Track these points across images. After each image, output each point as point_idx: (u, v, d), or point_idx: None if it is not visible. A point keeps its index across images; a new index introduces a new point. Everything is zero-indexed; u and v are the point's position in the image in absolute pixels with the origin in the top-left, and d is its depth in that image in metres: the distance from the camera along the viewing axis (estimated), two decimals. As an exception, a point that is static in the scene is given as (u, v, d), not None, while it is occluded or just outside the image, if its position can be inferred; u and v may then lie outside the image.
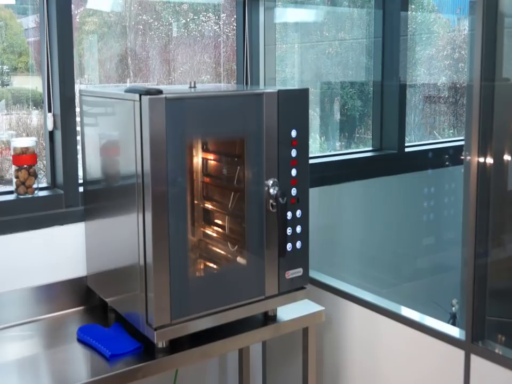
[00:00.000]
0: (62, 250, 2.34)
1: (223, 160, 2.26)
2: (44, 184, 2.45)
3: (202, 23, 4.07)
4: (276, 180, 2.03)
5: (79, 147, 2.40)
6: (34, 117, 3.75)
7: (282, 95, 2.05)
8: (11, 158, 2.33)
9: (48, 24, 2.34)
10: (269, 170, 2.05)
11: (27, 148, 2.32)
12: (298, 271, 2.14)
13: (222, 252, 2.26)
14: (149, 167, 1.81)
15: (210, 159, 2.29)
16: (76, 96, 2.40)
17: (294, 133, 2.08)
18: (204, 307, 1.98)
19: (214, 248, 2.29)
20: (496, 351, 2.05)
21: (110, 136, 2.15)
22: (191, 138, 2.02)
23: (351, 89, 4.25)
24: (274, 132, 2.04)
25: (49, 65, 2.37)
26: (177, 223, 1.89)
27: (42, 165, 2.77)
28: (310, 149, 2.17)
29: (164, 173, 1.83)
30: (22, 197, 2.31)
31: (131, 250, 1.95)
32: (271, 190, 2.02)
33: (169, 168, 1.84)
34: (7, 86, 3.91)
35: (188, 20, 4.12)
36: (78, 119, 2.40)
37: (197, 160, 2.25)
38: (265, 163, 2.04)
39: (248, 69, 2.96)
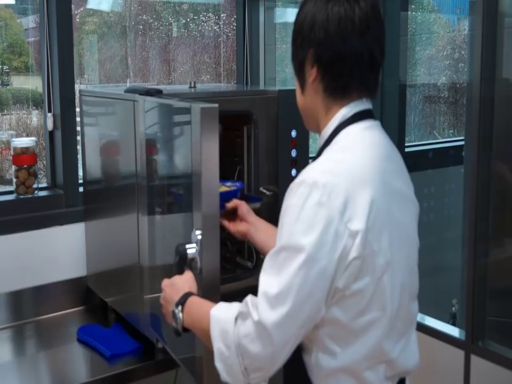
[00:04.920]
0: (62, 250, 2.34)
1: (222, 160, 2.25)
2: (44, 184, 2.45)
3: (202, 23, 4.07)
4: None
5: (79, 147, 2.40)
6: (34, 117, 3.75)
7: (282, 95, 2.05)
8: (11, 158, 2.33)
9: (48, 24, 2.34)
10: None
11: (27, 148, 2.32)
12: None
13: (222, 252, 2.25)
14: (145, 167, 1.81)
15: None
16: (76, 96, 2.40)
17: (294, 133, 2.07)
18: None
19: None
20: (496, 351, 2.05)
21: (110, 136, 2.15)
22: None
23: (351, 89, 4.24)
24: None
25: (49, 65, 2.37)
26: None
27: (42, 165, 2.77)
28: (310, 149, 2.17)
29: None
30: (22, 197, 2.31)
31: (131, 250, 1.95)
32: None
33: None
34: (7, 86, 3.91)
35: (188, 20, 4.12)
36: (78, 119, 2.39)
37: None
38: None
39: (248, 69, 2.96)
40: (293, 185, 1.21)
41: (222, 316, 1.23)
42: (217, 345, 1.21)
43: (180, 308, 1.34)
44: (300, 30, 1.29)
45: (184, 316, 1.33)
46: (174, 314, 1.35)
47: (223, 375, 1.22)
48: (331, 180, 1.17)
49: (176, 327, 1.35)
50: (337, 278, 1.16)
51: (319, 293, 1.16)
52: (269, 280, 1.19)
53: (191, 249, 1.41)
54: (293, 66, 1.34)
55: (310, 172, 1.20)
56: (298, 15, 1.30)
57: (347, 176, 1.18)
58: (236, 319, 1.20)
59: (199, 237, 1.40)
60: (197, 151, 1.42)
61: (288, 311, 1.14)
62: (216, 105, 1.42)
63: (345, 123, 1.28)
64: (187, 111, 1.47)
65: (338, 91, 1.28)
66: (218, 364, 1.22)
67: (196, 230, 1.41)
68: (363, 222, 1.16)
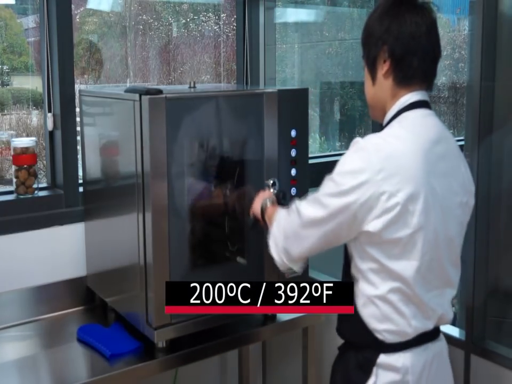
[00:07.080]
0: (62, 250, 2.34)
1: (222, 159, 2.25)
2: (44, 184, 2.45)
3: (202, 23, 4.08)
4: (275, 179, 2.03)
5: (79, 147, 2.40)
6: (34, 117, 3.75)
7: (282, 95, 2.05)
8: (11, 158, 2.33)
9: (48, 24, 2.34)
10: (269, 170, 2.05)
11: (27, 148, 2.32)
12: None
13: (222, 252, 2.25)
14: (149, 167, 1.81)
15: (210, 158, 2.28)
16: (76, 96, 2.40)
17: (294, 133, 2.08)
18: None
19: (214, 248, 2.28)
20: (496, 351, 2.05)
21: (109, 136, 2.15)
22: (190, 138, 2.02)
23: (351, 89, 4.26)
24: (274, 132, 2.04)
25: (49, 65, 2.37)
26: (177, 223, 1.89)
27: (42, 165, 2.77)
28: (310, 149, 2.17)
29: (164, 173, 1.83)
30: (22, 197, 2.31)
31: (131, 250, 1.95)
32: (271, 190, 2.02)
33: (169, 167, 1.84)
34: (7, 86, 3.92)
35: (188, 20, 4.12)
36: (78, 119, 2.39)
37: (197, 159, 2.25)
38: (265, 163, 2.04)
39: (248, 69, 2.96)
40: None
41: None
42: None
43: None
44: (373, 32, 1.54)
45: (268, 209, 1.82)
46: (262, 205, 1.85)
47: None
48: (377, 147, 1.47)
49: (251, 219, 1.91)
50: (367, 222, 1.43)
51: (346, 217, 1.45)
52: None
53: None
54: (365, 63, 1.59)
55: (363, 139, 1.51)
56: (370, 18, 1.57)
57: (390, 150, 1.46)
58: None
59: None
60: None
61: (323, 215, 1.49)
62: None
63: (402, 110, 1.54)
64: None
65: (405, 80, 1.53)
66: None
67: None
68: (400, 184, 1.40)
